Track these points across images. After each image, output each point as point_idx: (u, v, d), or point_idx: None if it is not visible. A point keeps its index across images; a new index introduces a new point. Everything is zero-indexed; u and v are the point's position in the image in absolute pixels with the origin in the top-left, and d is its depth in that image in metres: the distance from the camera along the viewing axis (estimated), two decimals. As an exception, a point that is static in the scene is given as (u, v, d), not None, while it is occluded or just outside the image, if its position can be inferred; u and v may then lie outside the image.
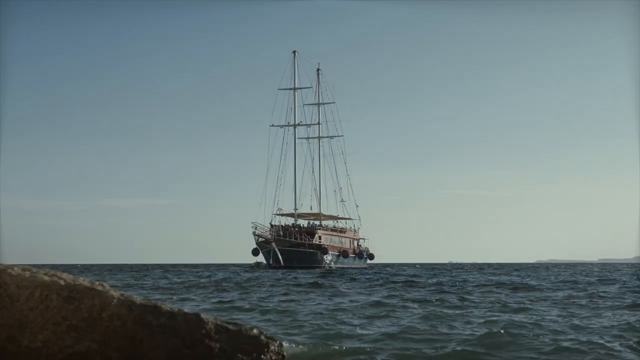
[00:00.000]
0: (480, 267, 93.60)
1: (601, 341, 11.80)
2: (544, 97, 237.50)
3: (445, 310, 17.11)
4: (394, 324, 14.29)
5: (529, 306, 18.75)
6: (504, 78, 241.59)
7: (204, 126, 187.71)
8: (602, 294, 24.13)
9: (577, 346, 11.22)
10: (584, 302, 20.54)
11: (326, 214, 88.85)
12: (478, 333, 12.65)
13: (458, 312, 16.99)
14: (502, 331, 12.65)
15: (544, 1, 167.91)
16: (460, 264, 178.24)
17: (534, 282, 35.16)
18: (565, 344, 11.44)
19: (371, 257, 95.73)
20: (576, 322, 14.74)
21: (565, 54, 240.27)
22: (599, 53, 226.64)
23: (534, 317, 15.74)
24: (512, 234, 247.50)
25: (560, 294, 24.87)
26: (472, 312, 17.09)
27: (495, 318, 15.39)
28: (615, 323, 14.54)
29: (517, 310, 17.46)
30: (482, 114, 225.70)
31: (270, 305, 19.04)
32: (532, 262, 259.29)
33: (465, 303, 20.05)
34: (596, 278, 42.73)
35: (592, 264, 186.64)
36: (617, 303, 20.05)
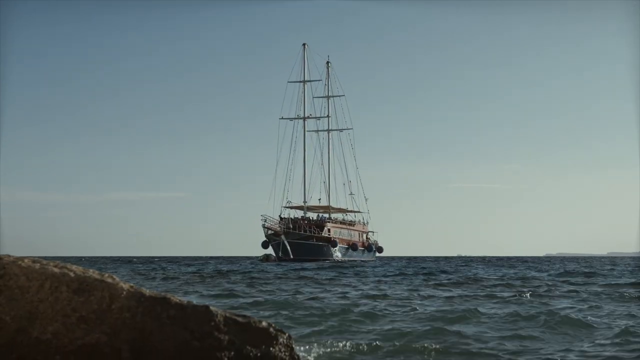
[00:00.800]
0: (488, 260, 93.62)
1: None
2: (558, 90, 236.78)
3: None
4: (395, 321, 14.30)
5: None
6: (516, 72, 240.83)
7: (212, 119, 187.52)
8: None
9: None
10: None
11: (335, 207, 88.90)
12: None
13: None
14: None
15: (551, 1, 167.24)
16: (469, 257, 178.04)
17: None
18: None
19: (380, 250, 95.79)
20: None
21: (577, 49, 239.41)
22: (604, 51, 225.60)
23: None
24: (520, 228, 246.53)
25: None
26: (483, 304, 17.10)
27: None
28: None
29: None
30: (494, 106, 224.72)
31: (280, 297, 19.06)
32: (541, 255, 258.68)
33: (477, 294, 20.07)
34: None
35: (601, 257, 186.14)
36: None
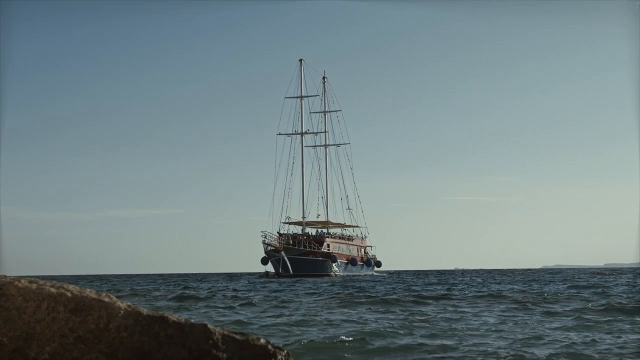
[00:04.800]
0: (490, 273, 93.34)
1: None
2: (551, 101, 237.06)
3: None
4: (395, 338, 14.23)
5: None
6: (511, 82, 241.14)
7: (210, 135, 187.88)
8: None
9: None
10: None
11: (334, 221, 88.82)
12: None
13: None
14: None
15: (549, 4, 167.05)
16: (467, 270, 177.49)
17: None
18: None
19: (378, 264, 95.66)
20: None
21: (574, 57, 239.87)
22: (601, 58, 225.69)
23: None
24: (518, 240, 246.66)
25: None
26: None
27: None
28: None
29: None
30: (487, 119, 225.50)
31: (279, 314, 18.98)
32: (539, 267, 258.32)
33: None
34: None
35: (597, 268, 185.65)
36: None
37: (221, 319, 17.95)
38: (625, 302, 22.09)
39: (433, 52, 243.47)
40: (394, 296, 28.02)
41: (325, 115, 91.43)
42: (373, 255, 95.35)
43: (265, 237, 76.76)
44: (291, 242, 78.20)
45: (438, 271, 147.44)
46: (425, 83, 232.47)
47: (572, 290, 32.04)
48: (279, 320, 17.12)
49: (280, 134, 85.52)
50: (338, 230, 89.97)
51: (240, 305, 23.26)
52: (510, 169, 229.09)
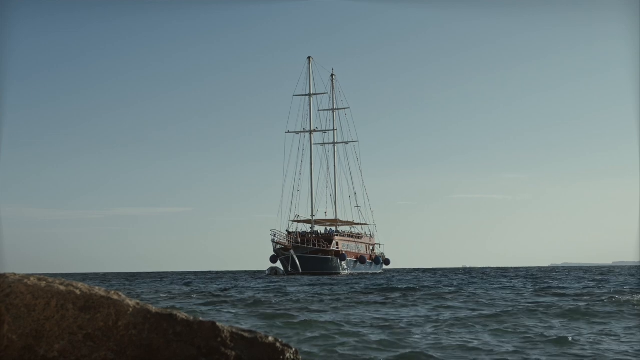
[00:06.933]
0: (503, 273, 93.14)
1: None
2: (558, 98, 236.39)
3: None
4: (396, 337, 14.22)
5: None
6: (516, 81, 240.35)
7: (218, 133, 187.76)
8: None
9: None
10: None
11: (342, 219, 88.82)
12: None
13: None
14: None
15: (548, 4, 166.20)
16: (474, 268, 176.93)
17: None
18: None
19: (387, 262, 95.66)
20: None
21: (579, 54, 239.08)
22: (604, 56, 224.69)
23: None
24: (525, 238, 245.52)
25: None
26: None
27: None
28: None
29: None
30: (495, 116, 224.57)
31: (288, 312, 18.98)
32: (546, 265, 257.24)
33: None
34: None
35: (606, 266, 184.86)
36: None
37: (238, 320, 18.00)
38: None
39: (440, 50, 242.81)
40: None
41: (333, 112, 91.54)
42: (381, 253, 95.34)
43: (274, 236, 76.91)
44: (300, 240, 78.28)
45: (447, 269, 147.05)
46: (432, 81, 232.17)
47: None
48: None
49: (288, 131, 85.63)
50: (347, 228, 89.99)
51: (251, 305, 23.29)
52: (518, 166, 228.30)
